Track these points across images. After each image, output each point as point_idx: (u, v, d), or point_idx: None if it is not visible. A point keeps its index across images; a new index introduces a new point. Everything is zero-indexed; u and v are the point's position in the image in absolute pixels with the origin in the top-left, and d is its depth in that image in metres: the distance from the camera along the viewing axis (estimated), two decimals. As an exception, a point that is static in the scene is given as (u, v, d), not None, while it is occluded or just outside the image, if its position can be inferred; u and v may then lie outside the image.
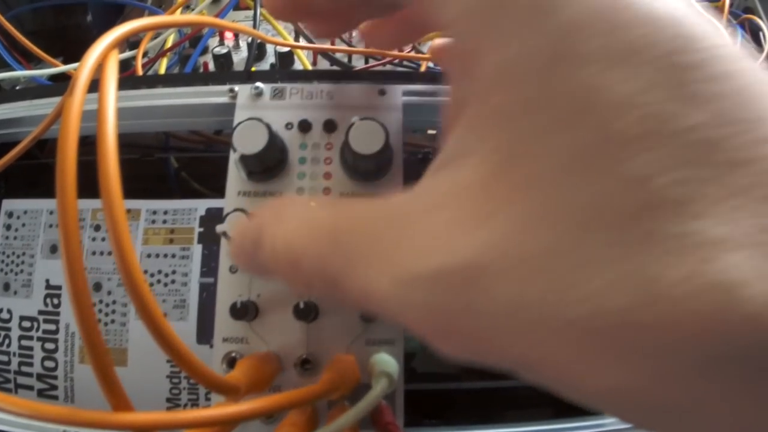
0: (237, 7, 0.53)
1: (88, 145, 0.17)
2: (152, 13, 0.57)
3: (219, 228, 0.24)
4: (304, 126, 0.28)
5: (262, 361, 0.22)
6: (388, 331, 0.25)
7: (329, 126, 0.28)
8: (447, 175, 0.14)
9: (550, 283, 0.11)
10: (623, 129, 0.12)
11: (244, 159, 0.25)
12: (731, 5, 0.55)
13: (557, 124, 0.12)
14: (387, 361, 0.23)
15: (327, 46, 0.48)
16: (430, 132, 0.38)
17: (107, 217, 0.14)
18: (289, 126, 0.28)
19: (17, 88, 0.52)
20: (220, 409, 0.15)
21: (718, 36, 0.13)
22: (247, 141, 0.25)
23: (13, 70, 0.48)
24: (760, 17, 0.54)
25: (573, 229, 0.12)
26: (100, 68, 0.17)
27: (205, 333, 0.38)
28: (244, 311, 0.24)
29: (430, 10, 0.16)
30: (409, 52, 0.48)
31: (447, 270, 0.13)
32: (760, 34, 0.51)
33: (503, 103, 0.13)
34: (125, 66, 0.50)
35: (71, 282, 0.14)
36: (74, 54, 0.55)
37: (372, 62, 0.46)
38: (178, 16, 0.46)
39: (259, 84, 0.29)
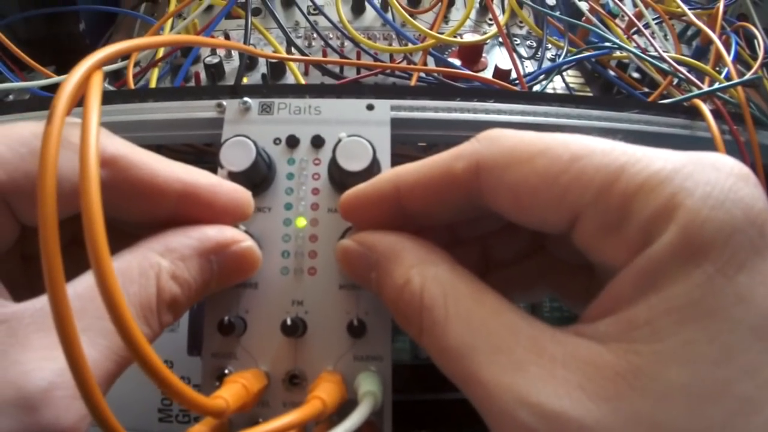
0: (229, 16, 0.53)
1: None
2: (144, 22, 0.57)
3: None
4: (292, 141, 0.28)
5: (250, 379, 0.22)
6: (376, 348, 0.25)
7: (317, 141, 0.28)
8: (590, 347, 0.16)
9: None
10: None
11: (232, 176, 0.25)
12: (725, 13, 0.55)
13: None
14: (373, 380, 0.23)
15: (318, 57, 0.49)
16: (420, 144, 0.38)
17: (87, 238, 0.14)
18: (277, 141, 0.28)
19: (10, 97, 0.52)
20: None
21: None
22: (234, 158, 0.25)
23: (6, 79, 0.48)
24: (755, 24, 0.54)
25: None
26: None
27: (196, 345, 0.38)
28: (231, 327, 0.24)
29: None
30: (400, 62, 0.48)
31: (567, 416, 0.15)
32: (755, 41, 0.50)
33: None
34: (117, 75, 0.50)
35: (63, 340, 0.14)
36: (66, 62, 0.55)
37: (364, 72, 0.46)
38: (159, 37, 0.46)
39: (247, 99, 0.29)
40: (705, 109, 0.35)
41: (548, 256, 0.25)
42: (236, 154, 0.25)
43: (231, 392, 0.20)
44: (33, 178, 0.18)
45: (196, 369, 0.37)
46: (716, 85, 0.40)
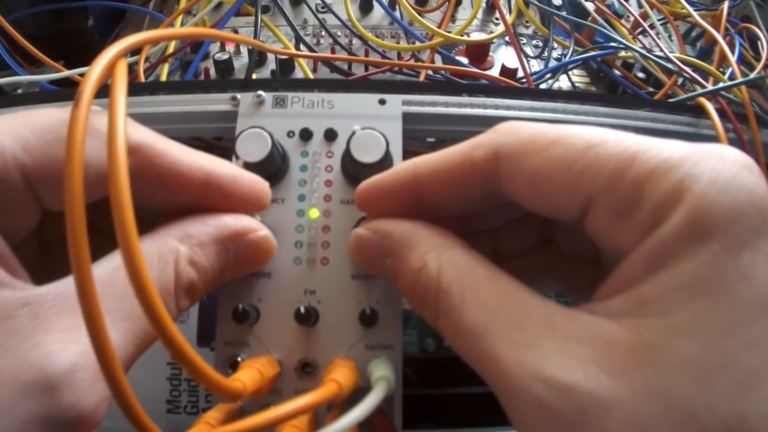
0: (238, 13, 0.54)
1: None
2: (154, 18, 0.57)
3: None
4: (306, 134, 0.29)
5: (265, 365, 0.23)
6: (387, 336, 0.25)
7: (330, 134, 0.29)
8: (602, 324, 0.17)
9: None
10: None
11: (247, 167, 0.26)
12: (729, 14, 0.55)
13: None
14: (385, 366, 0.24)
15: (327, 54, 0.49)
16: (429, 140, 0.39)
17: (118, 231, 0.14)
18: (290, 134, 0.29)
19: (19, 91, 0.53)
20: (255, 419, 0.17)
21: None
22: (250, 149, 0.25)
23: (15, 73, 0.48)
24: (758, 26, 0.54)
25: (668, 421, 0.14)
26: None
27: (205, 336, 0.38)
28: (245, 315, 0.25)
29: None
30: (408, 59, 0.49)
31: (581, 389, 0.15)
32: (759, 43, 0.51)
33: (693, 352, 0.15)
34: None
35: (89, 322, 0.14)
36: (75, 58, 0.56)
37: (372, 70, 0.47)
38: (180, 29, 0.46)
39: (261, 92, 0.30)
40: (710, 107, 0.35)
41: (556, 250, 0.25)
42: (252, 146, 0.26)
43: (247, 376, 0.21)
44: (58, 164, 0.18)
45: (205, 360, 0.38)
46: (720, 85, 0.40)
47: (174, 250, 0.20)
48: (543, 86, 0.48)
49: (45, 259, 0.23)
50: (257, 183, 0.24)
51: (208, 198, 0.22)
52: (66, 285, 0.18)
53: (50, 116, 0.19)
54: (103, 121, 0.17)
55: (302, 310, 0.24)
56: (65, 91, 0.39)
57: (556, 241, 0.25)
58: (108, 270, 0.19)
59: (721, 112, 0.37)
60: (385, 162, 0.26)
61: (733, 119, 0.37)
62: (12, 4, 0.56)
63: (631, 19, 0.52)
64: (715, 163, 0.16)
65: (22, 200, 0.19)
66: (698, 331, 0.15)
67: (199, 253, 0.21)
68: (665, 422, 0.14)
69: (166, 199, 0.22)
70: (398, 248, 0.21)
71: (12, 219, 0.19)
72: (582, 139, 0.18)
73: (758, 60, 0.48)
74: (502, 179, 0.20)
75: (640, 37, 0.53)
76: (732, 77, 0.43)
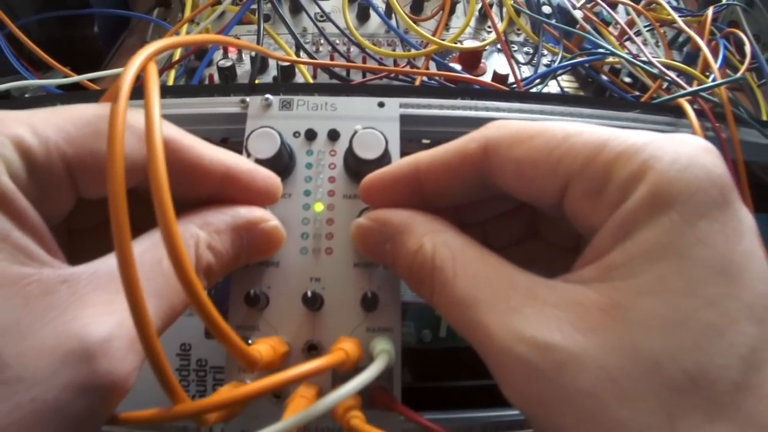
0: (240, 22, 0.56)
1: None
2: (158, 26, 0.59)
3: None
4: (310, 134, 0.31)
5: (276, 342, 0.25)
6: (387, 320, 0.27)
7: (333, 134, 0.31)
8: (576, 290, 0.19)
9: (610, 390, 0.16)
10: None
11: (257, 163, 0.28)
12: (715, 19, 0.57)
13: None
14: (386, 342, 0.26)
15: (326, 61, 0.51)
16: (425, 142, 0.41)
17: (157, 208, 0.16)
18: (296, 134, 0.31)
19: (26, 95, 0.54)
20: (276, 377, 0.19)
21: None
22: (261, 147, 0.28)
23: (23, 77, 0.50)
24: (744, 30, 0.56)
25: (636, 373, 0.16)
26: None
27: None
28: (257, 299, 0.27)
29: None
30: (404, 66, 0.51)
31: (557, 346, 0.17)
32: (745, 48, 0.53)
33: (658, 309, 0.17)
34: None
35: (129, 293, 0.16)
36: (80, 64, 0.57)
37: (369, 76, 0.49)
38: (203, 35, 0.49)
39: (268, 95, 0.32)
40: (688, 107, 0.38)
41: (541, 241, 0.27)
42: (262, 144, 0.28)
43: (262, 348, 0.23)
44: (97, 154, 0.20)
45: (212, 352, 0.39)
46: (700, 86, 0.42)
47: (195, 235, 0.22)
48: (533, 91, 0.50)
49: (71, 245, 0.25)
50: (271, 178, 0.26)
51: (227, 190, 0.24)
52: (97, 266, 0.20)
53: (88, 111, 0.21)
54: (136, 116, 0.20)
55: (309, 294, 0.26)
56: (72, 94, 0.41)
57: (540, 233, 0.27)
58: (137, 252, 0.21)
59: (701, 113, 0.39)
60: (385, 159, 0.28)
61: (711, 118, 0.39)
62: (18, 10, 0.58)
63: (619, 26, 0.55)
64: (677, 146, 0.18)
65: (62, 187, 0.21)
66: (660, 291, 0.17)
67: (217, 239, 0.23)
68: (633, 373, 0.16)
69: (188, 190, 0.24)
70: (397, 234, 0.23)
71: (52, 205, 0.21)
72: (561, 130, 0.21)
73: (743, 63, 0.50)
74: (492, 169, 0.22)
75: (627, 43, 0.55)
76: (716, 80, 0.45)
